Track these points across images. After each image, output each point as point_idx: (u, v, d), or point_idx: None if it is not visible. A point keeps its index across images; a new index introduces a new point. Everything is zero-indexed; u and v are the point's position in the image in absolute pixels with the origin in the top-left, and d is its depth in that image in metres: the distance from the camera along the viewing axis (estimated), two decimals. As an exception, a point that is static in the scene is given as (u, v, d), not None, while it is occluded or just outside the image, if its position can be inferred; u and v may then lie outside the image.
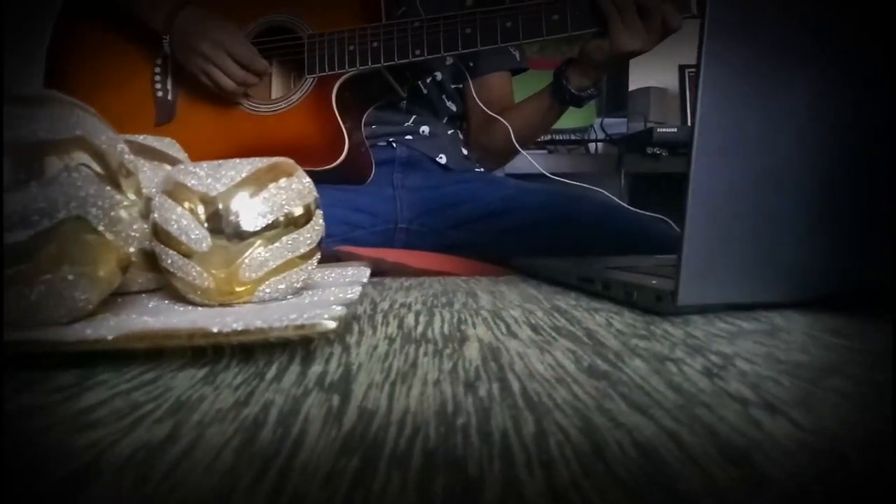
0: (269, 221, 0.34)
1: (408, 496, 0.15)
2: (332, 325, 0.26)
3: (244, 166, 0.35)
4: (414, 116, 1.07)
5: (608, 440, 0.19)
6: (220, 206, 0.33)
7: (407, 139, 1.06)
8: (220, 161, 0.35)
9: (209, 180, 0.34)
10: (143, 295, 0.40)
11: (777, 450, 0.18)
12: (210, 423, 0.20)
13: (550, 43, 1.88)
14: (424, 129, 1.07)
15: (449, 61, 1.11)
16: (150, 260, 0.38)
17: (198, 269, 0.34)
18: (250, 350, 0.30)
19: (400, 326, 0.36)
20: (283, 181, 0.36)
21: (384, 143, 1.05)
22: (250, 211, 0.34)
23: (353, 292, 0.36)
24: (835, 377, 0.25)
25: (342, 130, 0.93)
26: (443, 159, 1.06)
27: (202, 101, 0.99)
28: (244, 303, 0.35)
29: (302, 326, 0.26)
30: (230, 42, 0.92)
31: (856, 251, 0.40)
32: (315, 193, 0.38)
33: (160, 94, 1.01)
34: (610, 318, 0.38)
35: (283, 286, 0.36)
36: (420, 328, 0.35)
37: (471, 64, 1.14)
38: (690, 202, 0.36)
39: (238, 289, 0.35)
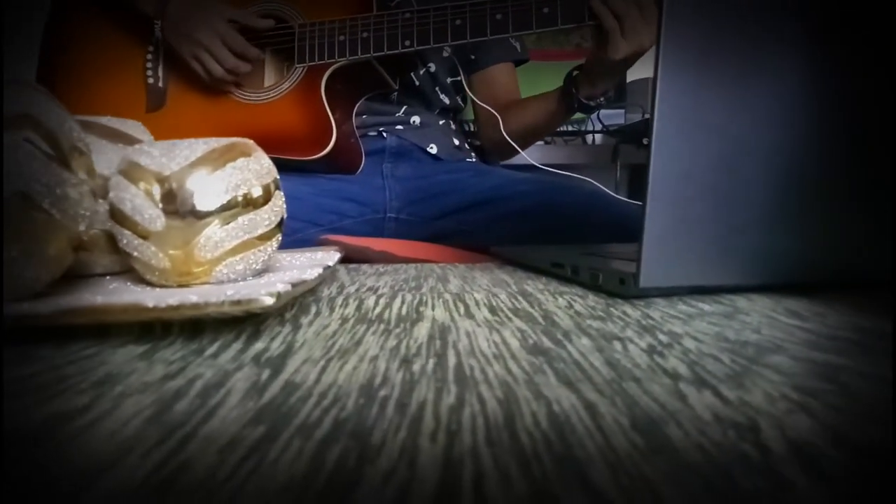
0: (225, 201, 0.34)
1: (300, 463, 0.15)
2: (269, 300, 0.26)
3: (200, 146, 0.35)
4: (405, 107, 1.07)
5: (524, 411, 0.18)
6: (175, 185, 0.33)
7: (397, 129, 1.06)
8: (177, 141, 0.35)
9: (164, 159, 0.34)
10: (107, 277, 0.40)
11: (692, 421, 0.18)
12: (131, 394, 0.20)
13: (547, 35, 1.87)
14: (415, 119, 1.07)
15: (445, 53, 1.10)
16: (114, 242, 0.37)
17: (153, 249, 0.34)
18: (200, 328, 0.30)
19: (358, 308, 0.36)
20: (240, 161, 0.35)
21: (374, 133, 1.05)
22: (205, 190, 0.34)
23: (311, 274, 0.35)
24: (776, 355, 0.25)
25: (330, 120, 0.93)
26: (433, 149, 1.06)
27: (193, 89, 0.98)
28: (202, 283, 0.35)
29: (238, 302, 0.26)
30: (224, 28, 0.92)
31: (827, 237, 0.39)
32: (275, 175, 0.37)
33: (151, 80, 1.01)
34: (572, 301, 0.38)
35: (240, 267, 0.36)
36: (378, 310, 0.35)
37: (472, 57, 1.14)
38: (650, 186, 0.35)
39: (195, 269, 0.35)
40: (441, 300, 0.38)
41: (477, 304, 0.37)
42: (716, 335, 0.28)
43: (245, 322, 0.31)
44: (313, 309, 0.35)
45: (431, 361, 0.24)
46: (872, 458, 0.15)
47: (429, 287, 0.44)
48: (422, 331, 0.30)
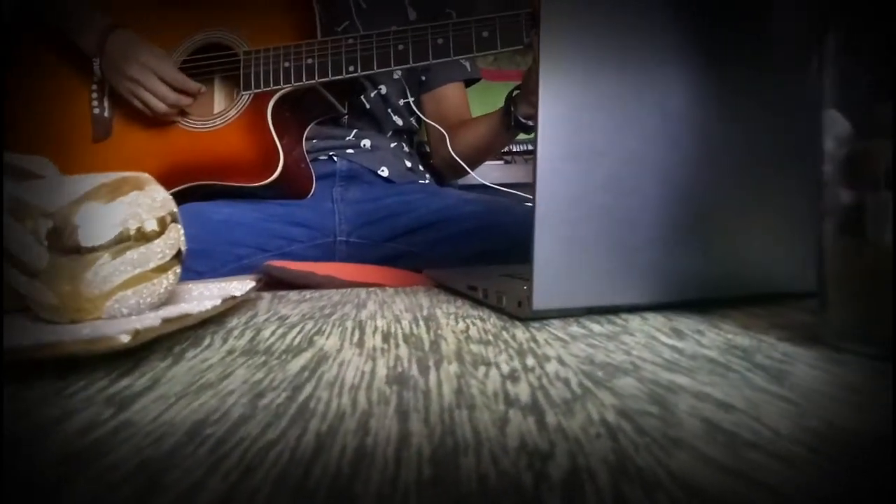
0: (113, 235, 0.34)
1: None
2: (124, 339, 0.26)
3: (89, 181, 0.35)
4: (355, 130, 1.08)
5: (335, 445, 0.19)
6: (59, 221, 0.33)
7: (348, 153, 1.06)
8: (72, 176, 0.35)
9: (52, 196, 0.34)
10: (21, 314, 0.40)
11: (494, 451, 0.18)
12: (-43, 439, 0.20)
13: (505, 55, 1.89)
14: (366, 142, 1.08)
15: (396, 76, 1.12)
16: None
17: (41, 286, 0.34)
18: (79, 365, 0.30)
19: (252, 339, 0.36)
20: (131, 195, 0.35)
21: (325, 158, 1.05)
22: (92, 225, 0.34)
23: (204, 306, 0.36)
24: (626, 377, 0.25)
25: (277, 147, 0.93)
26: (385, 172, 1.07)
27: (139, 119, 0.99)
28: (94, 319, 0.35)
29: (91, 341, 0.26)
30: (159, 65, 0.93)
31: (725, 253, 0.40)
32: (171, 208, 0.38)
33: (97, 110, 1.01)
34: (472, 324, 0.38)
35: (133, 301, 0.36)
36: (271, 340, 0.35)
37: (423, 78, 1.15)
38: (537, 209, 0.36)
39: (85, 305, 0.35)
40: (341, 328, 0.38)
41: (375, 331, 0.37)
42: (585, 358, 0.29)
43: (127, 357, 0.31)
44: (206, 341, 0.35)
45: (284, 395, 0.24)
46: (642, 486, 0.15)
47: (340, 314, 0.44)
48: (299, 362, 0.30)
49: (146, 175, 0.38)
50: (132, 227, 0.35)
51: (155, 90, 0.92)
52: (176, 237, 0.38)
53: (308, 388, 0.25)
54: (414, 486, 0.16)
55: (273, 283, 0.79)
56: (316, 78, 0.94)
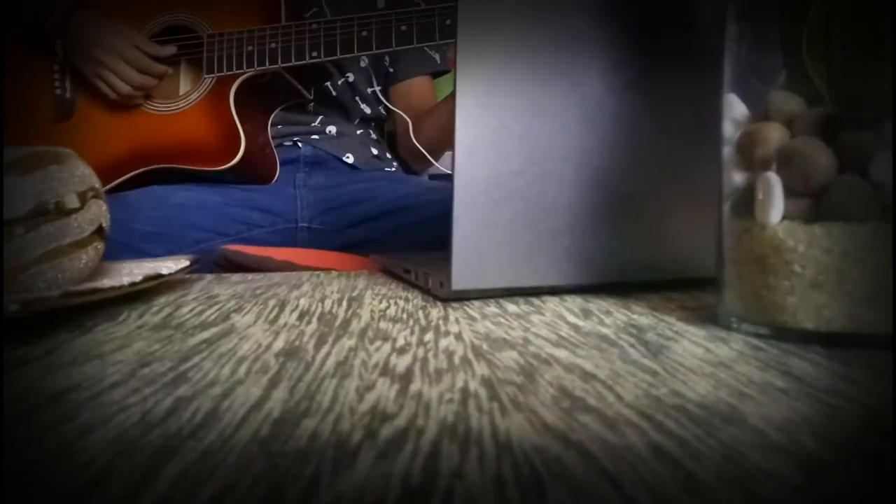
0: (28, 209, 0.34)
1: None
2: (12, 308, 0.26)
3: (8, 154, 0.35)
4: (321, 117, 1.07)
5: (185, 407, 0.19)
6: (-29, 194, 0.33)
7: (313, 139, 1.06)
8: (-11, 151, 0.35)
9: (-36, 170, 0.34)
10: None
11: (346, 409, 0.18)
12: None
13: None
14: (331, 129, 1.07)
15: (363, 64, 1.11)
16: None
17: (-47, 258, 0.34)
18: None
19: (168, 315, 0.36)
20: (49, 169, 0.35)
21: (290, 143, 1.05)
22: (7, 198, 0.34)
23: (119, 282, 0.36)
24: (508, 351, 0.26)
25: (239, 131, 0.93)
26: (350, 158, 1.07)
27: (101, 100, 0.98)
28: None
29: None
30: (124, 46, 0.92)
31: (645, 238, 0.41)
32: (92, 183, 0.38)
33: (59, 91, 1.00)
34: (394, 304, 0.39)
35: (50, 275, 0.36)
36: (186, 317, 0.35)
37: (390, 70, 1.15)
38: (456, 191, 0.36)
39: (0, 278, 0.35)
40: (262, 306, 0.39)
41: (295, 309, 0.38)
42: (483, 334, 0.29)
43: (39, 329, 0.31)
44: (123, 316, 0.36)
45: (167, 365, 0.24)
46: (460, 443, 0.16)
47: (269, 294, 0.44)
48: (202, 336, 0.30)
49: (67, 150, 0.38)
50: (50, 201, 0.35)
51: (119, 72, 0.92)
52: (97, 213, 0.38)
53: (195, 360, 0.25)
54: (243, 444, 0.16)
55: (231, 267, 0.79)
56: (279, 63, 0.93)
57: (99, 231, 0.38)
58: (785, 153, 0.27)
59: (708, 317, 0.33)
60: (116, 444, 0.16)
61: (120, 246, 0.83)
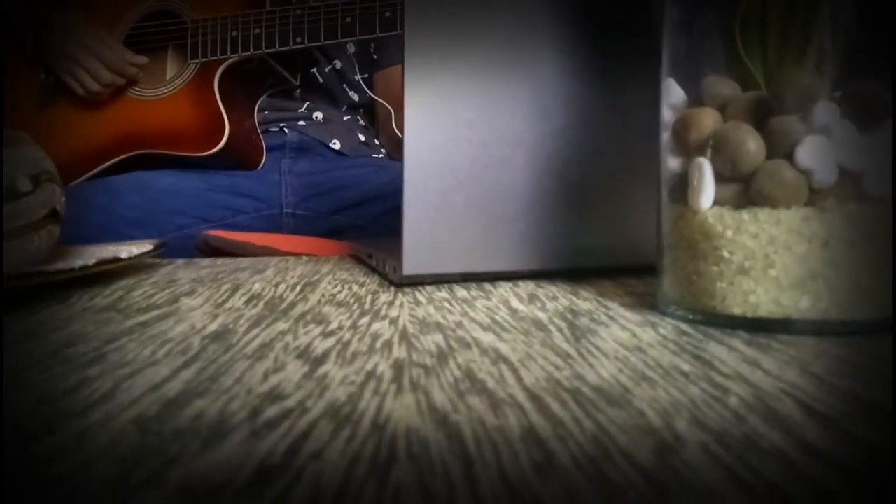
0: (-23, 193, 0.34)
1: None
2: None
3: (-46, 139, 0.35)
4: (307, 102, 1.07)
5: (89, 385, 0.19)
6: (-82, 177, 0.33)
7: (299, 125, 1.06)
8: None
9: (-87, 153, 0.34)
10: None
11: (243, 390, 0.18)
12: None
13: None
14: (318, 115, 1.07)
15: (350, 51, 1.11)
16: None
17: None
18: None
19: (118, 298, 0.36)
20: (3, 151, 0.36)
21: (276, 129, 1.05)
22: (-47, 183, 0.34)
23: (69, 265, 0.36)
24: (437, 334, 0.26)
25: (223, 117, 0.93)
26: (336, 145, 1.06)
27: (86, 86, 0.98)
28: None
29: None
30: (97, 45, 0.93)
31: (596, 225, 0.41)
32: (45, 166, 0.38)
33: (44, 76, 1.00)
34: (345, 289, 0.39)
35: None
36: (136, 300, 0.36)
37: (375, 56, 1.15)
38: (405, 176, 0.36)
39: (-50, 261, 0.35)
40: (215, 291, 0.39)
41: (246, 293, 0.38)
42: (420, 319, 0.29)
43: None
44: (73, 299, 0.36)
45: (91, 346, 0.25)
46: (337, 422, 0.16)
47: (231, 279, 0.45)
48: (140, 319, 0.30)
49: (21, 133, 0.38)
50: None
51: (91, 69, 0.92)
52: (50, 195, 0.38)
53: (122, 341, 0.26)
54: (123, 424, 0.16)
55: (211, 252, 0.80)
56: (263, 48, 0.93)
57: (53, 214, 0.38)
58: (715, 138, 0.27)
59: (651, 303, 0.33)
60: (4, 420, 0.16)
61: (103, 231, 0.83)
